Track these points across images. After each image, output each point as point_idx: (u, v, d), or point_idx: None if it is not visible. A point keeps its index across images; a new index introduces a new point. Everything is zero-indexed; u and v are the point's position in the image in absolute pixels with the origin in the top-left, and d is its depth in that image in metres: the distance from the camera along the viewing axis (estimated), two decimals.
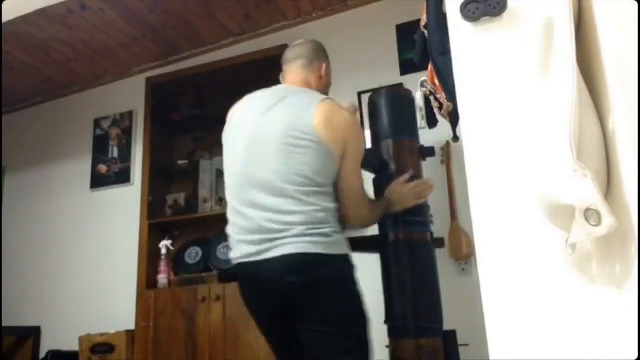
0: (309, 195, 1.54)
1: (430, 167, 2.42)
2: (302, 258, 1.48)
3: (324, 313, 1.52)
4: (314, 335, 1.53)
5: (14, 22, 2.62)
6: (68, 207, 3.64)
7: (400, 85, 2.80)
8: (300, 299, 1.51)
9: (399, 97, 2.20)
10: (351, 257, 1.63)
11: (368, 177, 2.31)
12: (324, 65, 1.91)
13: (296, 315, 1.54)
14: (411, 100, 2.15)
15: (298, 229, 1.49)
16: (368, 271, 2.49)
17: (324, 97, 1.72)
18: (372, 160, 2.14)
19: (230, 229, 1.66)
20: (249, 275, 1.60)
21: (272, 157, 1.59)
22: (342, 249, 1.59)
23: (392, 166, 2.07)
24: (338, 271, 1.57)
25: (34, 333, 3.37)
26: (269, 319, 1.66)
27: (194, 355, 2.67)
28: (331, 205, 1.60)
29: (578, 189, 0.66)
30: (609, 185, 0.72)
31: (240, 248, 1.60)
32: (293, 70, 1.90)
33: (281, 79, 1.94)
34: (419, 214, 2.03)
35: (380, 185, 2.10)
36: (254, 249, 1.54)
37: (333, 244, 1.54)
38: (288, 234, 1.50)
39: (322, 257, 1.50)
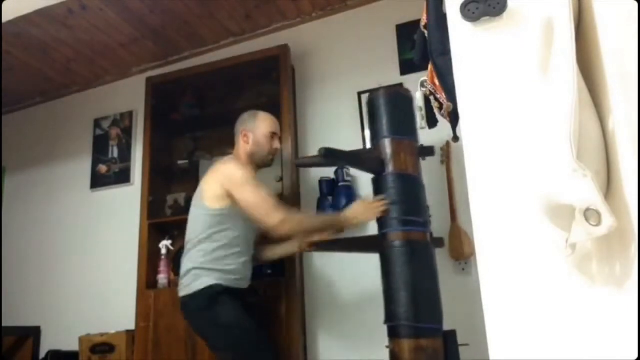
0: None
1: (430, 167, 2.42)
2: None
3: None
4: None
5: (14, 22, 2.62)
6: (68, 207, 3.64)
7: (400, 85, 2.80)
8: None
9: (398, 97, 2.20)
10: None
11: (368, 177, 2.31)
12: (242, 131, 2.36)
13: None
14: (410, 99, 2.15)
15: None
16: (368, 271, 2.50)
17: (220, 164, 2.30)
18: (370, 160, 2.14)
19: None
20: None
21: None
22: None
23: (391, 165, 2.07)
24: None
25: (34, 333, 3.37)
26: None
27: (194, 355, 2.67)
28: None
29: (578, 189, 0.66)
30: (609, 185, 0.72)
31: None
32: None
33: None
34: (418, 214, 2.03)
35: (379, 185, 2.10)
36: None
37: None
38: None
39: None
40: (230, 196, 2.13)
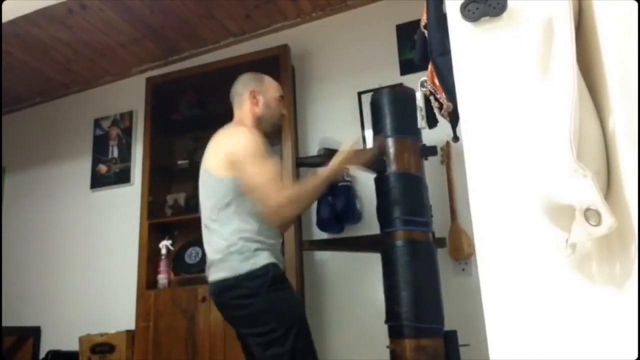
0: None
1: (430, 167, 2.42)
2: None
3: None
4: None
5: (14, 22, 2.61)
6: (68, 207, 3.64)
7: (400, 85, 2.80)
8: None
9: (400, 96, 2.20)
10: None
11: (368, 177, 2.31)
12: (250, 90, 2.05)
13: None
14: (413, 98, 2.15)
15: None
16: (369, 271, 2.50)
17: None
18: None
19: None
20: None
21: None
22: None
23: (394, 165, 2.07)
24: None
25: (34, 333, 3.37)
26: None
27: (194, 355, 2.67)
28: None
29: (578, 189, 0.66)
30: (609, 185, 0.72)
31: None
32: (234, 109, 2.10)
33: None
34: (420, 214, 2.03)
35: (382, 185, 2.10)
36: None
37: None
38: None
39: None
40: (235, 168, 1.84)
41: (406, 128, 2.13)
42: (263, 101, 2.05)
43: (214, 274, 1.83)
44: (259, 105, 2.04)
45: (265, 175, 1.79)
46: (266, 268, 1.75)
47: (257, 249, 1.77)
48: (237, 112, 2.07)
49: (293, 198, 1.81)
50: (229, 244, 1.79)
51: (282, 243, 2.15)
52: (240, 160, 1.82)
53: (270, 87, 2.10)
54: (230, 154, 1.85)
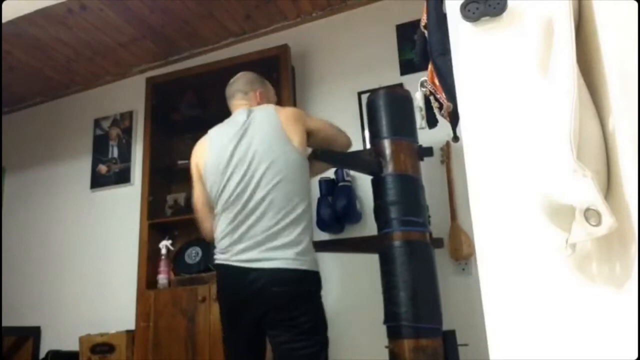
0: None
1: (430, 167, 2.42)
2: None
3: None
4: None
5: (14, 22, 2.61)
6: (68, 207, 3.64)
7: (400, 85, 2.80)
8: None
9: (397, 98, 2.20)
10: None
11: (366, 178, 2.31)
12: (259, 92, 2.13)
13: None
14: (409, 100, 2.15)
15: None
16: (367, 271, 2.50)
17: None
18: (368, 162, 2.14)
19: None
20: None
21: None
22: None
23: (390, 166, 2.07)
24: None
25: (34, 333, 3.37)
26: None
27: (194, 355, 2.67)
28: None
29: (578, 189, 0.66)
30: (609, 185, 0.72)
31: None
32: (236, 103, 2.12)
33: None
34: (417, 215, 2.03)
35: (378, 186, 2.10)
36: None
37: None
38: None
39: None
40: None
41: (402, 129, 2.14)
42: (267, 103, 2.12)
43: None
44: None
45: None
46: (318, 273, 1.87)
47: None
48: (244, 103, 2.10)
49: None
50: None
51: None
52: (310, 120, 2.04)
53: (271, 94, 2.20)
54: (303, 121, 1.98)
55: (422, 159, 2.21)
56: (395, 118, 2.15)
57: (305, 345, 1.75)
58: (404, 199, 2.03)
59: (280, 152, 1.85)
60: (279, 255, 1.76)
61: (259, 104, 2.08)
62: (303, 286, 1.79)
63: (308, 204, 1.87)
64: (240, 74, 2.21)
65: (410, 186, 2.07)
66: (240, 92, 2.12)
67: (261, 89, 2.14)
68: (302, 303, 1.78)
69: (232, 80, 2.19)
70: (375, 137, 2.16)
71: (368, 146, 2.74)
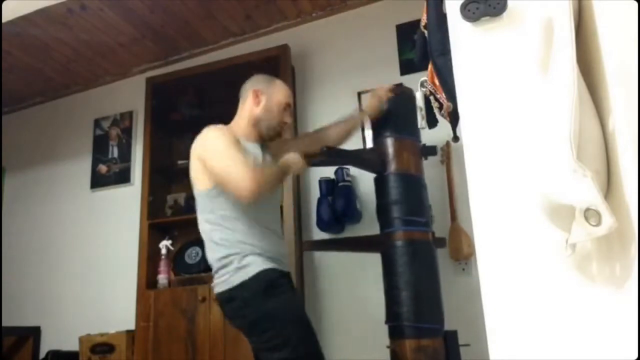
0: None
1: (430, 167, 2.42)
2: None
3: None
4: None
5: (14, 22, 2.61)
6: (68, 207, 3.64)
7: (400, 85, 2.80)
8: None
9: (400, 96, 2.20)
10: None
11: (367, 177, 2.31)
12: (254, 90, 2.00)
13: None
14: (413, 98, 2.15)
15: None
16: (369, 271, 2.50)
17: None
18: (372, 160, 2.14)
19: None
20: None
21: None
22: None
23: (393, 165, 2.07)
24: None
25: (34, 333, 3.37)
26: None
27: (194, 355, 2.67)
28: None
29: (578, 189, 0.66)
30: (609, 185, 0.72)
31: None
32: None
33: None
34: (420, 214, 2.03)
35: (381, 185, 2.10)
36: None
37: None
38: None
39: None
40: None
41: (405, 128, 2.13)
42: (265, 103, 1.98)
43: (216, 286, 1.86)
44: (259, 105, 1.98)
45: (231, 160, 1.75)
46: (258, 276, 1.75)
47: (246, 256, 1.77)
48: (239, 110, 2.03)
49: (260, 184, 1.72)
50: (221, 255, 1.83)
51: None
52: (206, 154, 1.83)
53: (278, 92, 2.02)
54: (200, 159, 1.85)
55: (425, 158, 2.21)
56: (399, 117, 2.14)
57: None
58: (407, 198, 2.03)
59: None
60: None
61: (253, 103, 1.98)
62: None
63: (217, 222, 1.84)
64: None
65: (413, 185, 2.07)
66: (243, 92, 2.05)
67: (261, 87, 2.01)
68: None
69: None
70: (379, 135, 2.16)
71: (368, 146, 2.75)
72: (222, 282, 1.79)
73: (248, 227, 1.81)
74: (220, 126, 1.92)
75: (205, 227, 1.87)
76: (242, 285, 1.74)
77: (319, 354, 1.75)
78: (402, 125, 2.14)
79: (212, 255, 1.84)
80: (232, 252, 1.78)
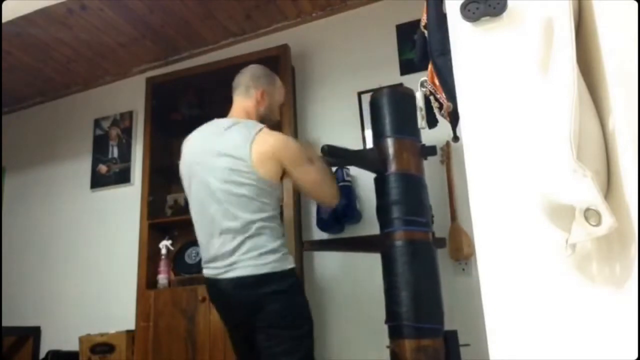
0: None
1: (430, 167, 2.42)
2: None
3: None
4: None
5: (14, 22, 2.61)
6: (68, 207, 3.64)
7: (400, 85, 2.80)
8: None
9: (400, 96, 2.19)
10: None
11: (367, 177, 2.31)
12: (261, 91, 2.07)
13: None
14: (413, 98, 2.15)
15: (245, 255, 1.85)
16: (369, 271, 2.50)
17: (257, 128, 1.94)
18: (373, 160, 2.14)
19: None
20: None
21: (218, 195, 1.88)
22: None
23: (394, 165, 2.07)
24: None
25: (34, 333, 3.37)
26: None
27: (194, 355, 2.67)
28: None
29: (578, 189, 0.66)
30: (609, 185, 0.72)
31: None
32: (235, 99, 2.10)
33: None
34: (420, 214, 2.03)
35: (381, 185, 2.10)
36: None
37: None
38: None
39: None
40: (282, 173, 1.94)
41: (405, 128, 2.13)
42: (268, 103, 2.10)
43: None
44: (264, 106, 2.08)
45: (316, 172, 2.00)
46: (294, 270, 1.93)
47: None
48: (242, 102, 2.08)
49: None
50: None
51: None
52: (295, 164, 1.94)
53: (278, 93, 2.16)
54: (281, 158, 1.91)
55: (425, 158, 2.21)
56: (399, 117, 2.14)
57: None
58: (407, 198, 2.02)
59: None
60: None
61: (259, 103, 2.07)
62: None
63: (267, 211, 1.95)
64: (251, 66, 2.17)
65: (414, 185, 2.07)
66: (242, 86, 2.09)
67: (266, 88, 2.09)
68: None
69: (242, 70, 2.16)
70: (379, 135, 2.16)
71: (368, 146, 2.75)
72: (262, 264, 1.82)
73: (281, 225, 1.96)
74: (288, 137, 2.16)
75: (247, 215, 1.86)
76: (288, 273, 1.85)
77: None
78: (403, 125, 2.14)
79: (258, 241, 1.84)
80: (281, 242, 1.89)
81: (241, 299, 1.84)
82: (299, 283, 1.96)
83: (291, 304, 1.85)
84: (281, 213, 2.08)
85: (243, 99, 2.08)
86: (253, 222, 1.84)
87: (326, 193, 2.05)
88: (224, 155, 1.90)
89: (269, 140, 1.90)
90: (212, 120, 2.09)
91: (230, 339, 2.06)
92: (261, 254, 1.81)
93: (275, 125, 2.16)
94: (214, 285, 1.92)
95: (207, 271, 1.95)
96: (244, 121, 2.00)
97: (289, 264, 1.87)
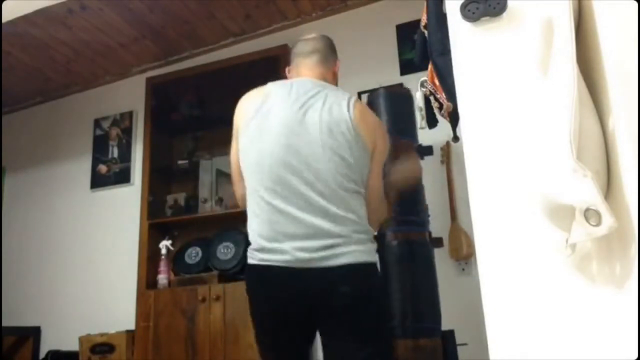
0: (353, 198, 1.53)
1: (430, 167, 2.42)
2: (361, 267, 1.48)
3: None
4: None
5: (14, 22, 2.62)
6: (68, 207, 3.64)
7: (400, 85, 2.80)
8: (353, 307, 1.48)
9: (397, 97, 2.20)
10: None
11: None
12: (337, 63, 1.83)
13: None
14: (410, 99, 2.15)
15: (354, 237, 1.48)
16: None
17: (351, 95, 1.68)
18: None
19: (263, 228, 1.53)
20: (290, 282, 1.49)
21: (319, 155, 1.52)
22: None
23: (389, 165, 2.07)
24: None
25: (34, 333, 3.37)
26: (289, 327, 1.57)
27: (194, 355, 2.67)
28: (364, 209, 1.57)
29: (578, 189, 0.66)
30: (609, 185, 0.72)
31: (286, 252, 1.48)
32: (308, 64, 1.76)
33: (291, 72, 1.82)
34: (416, 214, 2.04)
35: None
36: (307, 255, 1.45)
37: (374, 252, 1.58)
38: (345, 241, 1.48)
39: (373, 265, 1.55)
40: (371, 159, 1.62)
41: (402, 128, 2.14)
42: (337, 80, 1.85)
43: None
44: (337, 80, 1.84)
45: (381, 183, 1.67)
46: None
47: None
48: (322, 69, 1.76)
49: (381, 218, 1.73)
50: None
51: None
52: (377, 154, 1.63)
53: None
54: (377, 139, 1.62)
55: (422, 158, 2.21)
56: (395, 117, 2.15)
57: None
58: (403, 199, 2.02)
59: None
60: None
61: (334, 75, 1.81)
62: None
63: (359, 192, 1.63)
64: (321, 34, 1.87)
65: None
66: (320, 53, 1.77)
67: (336, 59, 1.83)
68: None
69: (308, 37, 1.85)
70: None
71: None
72: (368, 251, 1.52)
73: None
74: None
75: (340, 193, 1.51)
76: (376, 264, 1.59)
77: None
78: (399, 125, 2.14)
79: (351, 226, 1.50)
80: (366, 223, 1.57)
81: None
82: None
83: None
84: None
85: (319, 67, 1.75)
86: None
87: (384, 208, 1.71)
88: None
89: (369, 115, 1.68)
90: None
91: (274, 349, 1.60)
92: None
93: None
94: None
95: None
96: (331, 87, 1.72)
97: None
